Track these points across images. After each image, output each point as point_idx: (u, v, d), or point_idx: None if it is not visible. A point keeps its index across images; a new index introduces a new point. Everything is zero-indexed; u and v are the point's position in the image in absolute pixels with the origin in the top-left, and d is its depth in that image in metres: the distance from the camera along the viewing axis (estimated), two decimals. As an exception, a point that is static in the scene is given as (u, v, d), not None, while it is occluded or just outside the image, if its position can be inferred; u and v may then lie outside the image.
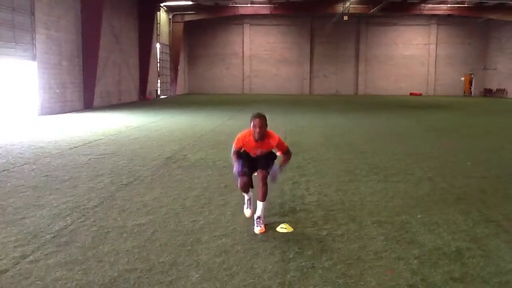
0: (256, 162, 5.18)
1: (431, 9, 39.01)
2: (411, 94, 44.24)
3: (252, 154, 5.15)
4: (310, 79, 45.88)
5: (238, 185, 5.12)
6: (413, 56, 45.43)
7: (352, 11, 37.83)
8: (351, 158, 9.41)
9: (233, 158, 5.13)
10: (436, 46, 45.07)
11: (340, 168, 8.35)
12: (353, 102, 31.98)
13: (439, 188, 6.85)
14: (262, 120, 4.87)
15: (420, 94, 44.23)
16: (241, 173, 5.00)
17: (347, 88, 45.81)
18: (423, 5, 38.37)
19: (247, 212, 5.32)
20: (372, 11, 37.40)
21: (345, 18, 38.59)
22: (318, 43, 45.62)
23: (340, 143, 11.67)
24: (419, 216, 5.39)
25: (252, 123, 4.88)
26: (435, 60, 45.31)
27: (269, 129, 5.04)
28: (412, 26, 44.95)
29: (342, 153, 10.01)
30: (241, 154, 5.13)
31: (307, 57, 45.65)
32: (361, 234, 4.76)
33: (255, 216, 4.96)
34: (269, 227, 4.97)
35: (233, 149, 5.15)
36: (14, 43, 17.19)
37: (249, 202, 5.33)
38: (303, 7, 38.38)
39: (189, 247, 4.40)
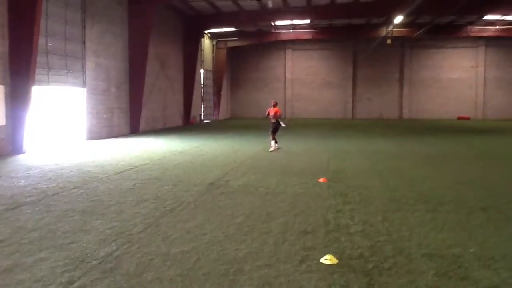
0: (276, 128, 15.61)
1: (479, 31, 38.03)
2: (459, 118, 42.89)
3: (272, 114, 15.57)
4: (353, 102, 45.41)
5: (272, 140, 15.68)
6: (460, 79, 44.18)
7: (396, 35, 37.42)
8: (398, 185, 9.14)
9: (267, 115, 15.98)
10: (485, 68, 43.69)
11: (386, 196, 8.11)
12: (398, 126, 31.35)
13: (493, 219, 6.51)
14: (275, 102, 16.16)
15: (469, 118, 42.81)
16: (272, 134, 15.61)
17: (391, 112, 44.97)
18: (470, 27, 37.49)
19: (272, 145, 15.48)
20: (416, 34, 36.86)
21: (389, 41, 38.21)
22: (360, 67, 45.25)
23: (385, 169, 11.38)
24: (472, 250, 5.11)
25: (272, 102, 16.08)
26: (484, 83, 43.85)
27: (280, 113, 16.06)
28: (458, 49, 43.88)
29: (387, 180, 9.74)
30: (271, 124, 15.74)
31: (349, 81, 45.32)
32: (410, 268, 4.56)
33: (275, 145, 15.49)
34: (313, 258, 4.85)
35: (266, 112, 15.97)
36: (66, 71, 18.01)
37: (275, 144, 15.45)
38: (345, 31, 38.33)
39: (231, 277, 4.35)
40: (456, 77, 44.25)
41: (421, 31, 35.73)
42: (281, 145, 16.53)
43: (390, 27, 35.29)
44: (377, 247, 5.20)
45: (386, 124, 34.05)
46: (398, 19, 28.85)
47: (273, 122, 15.54)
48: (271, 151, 14.96)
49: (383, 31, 37.06)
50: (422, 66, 44.54)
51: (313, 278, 4.30)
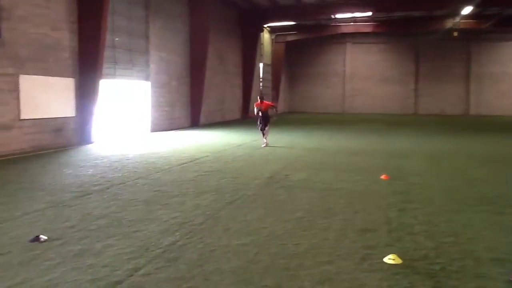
0: (264, 121, 14.75)
1: (555, 22, 35.47)
2: (530, 115, 40.34)
3: (262, 108, 14.70)
4: (414, 98, 43.94)
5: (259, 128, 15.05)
6: (534, 73, 41.47)
7: (462, 27, 35.66)
8: (459, 185, 8.75)
9: (255, 111, 15.06)
10: (563, 62, 40.70)
11: (449, 196, 7.79)
12: (462, 122, 29.99)
13: None
14: (261, 96, 15.23)
15: (543, 115, 40.13)
16: (260, 128, 14.95)
17: (457, 108, 43.00)
18: (545, 18, 35.05)
19: (263, 142, 14.90)
20: (485, 26, 34.96)
21: (455, 34, 36.40)
22: (423, 61, 43.56)
23: (447, 168, 10.93)
24: (547, 255, 4.80)
25: (258, 97, 15.20)
26: (560, 77, 40.90)
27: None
28: (531, 41, 41.19)
29: (448, 180, 9.35)
30: (258, 117, 14.80)
31: (411, 76, 43.82)
32: (479, 273, 4.36)
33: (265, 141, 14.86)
34: (375, 256, 4.76)
35: (255, 108, 15.03)
36: (131, 65, 18.69)
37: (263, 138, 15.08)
38: (407, 24, 36.96)
39: (292, 272, 4.35)
40: (528, 72, 41.55)
41: (489, 23, 33.83)
42: (339, 140, 16.28)
43: (456, 19, 33.67)
44: (443, 249, 5.01)
45: (450, 120, 32.66)
46: (466, 10, 27.42)
47: (262, 117, 14.80)
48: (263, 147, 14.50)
49: (447, 23, 35.40)
50: (490, 60, 42.19)
51: (375, 277, 4.22)
